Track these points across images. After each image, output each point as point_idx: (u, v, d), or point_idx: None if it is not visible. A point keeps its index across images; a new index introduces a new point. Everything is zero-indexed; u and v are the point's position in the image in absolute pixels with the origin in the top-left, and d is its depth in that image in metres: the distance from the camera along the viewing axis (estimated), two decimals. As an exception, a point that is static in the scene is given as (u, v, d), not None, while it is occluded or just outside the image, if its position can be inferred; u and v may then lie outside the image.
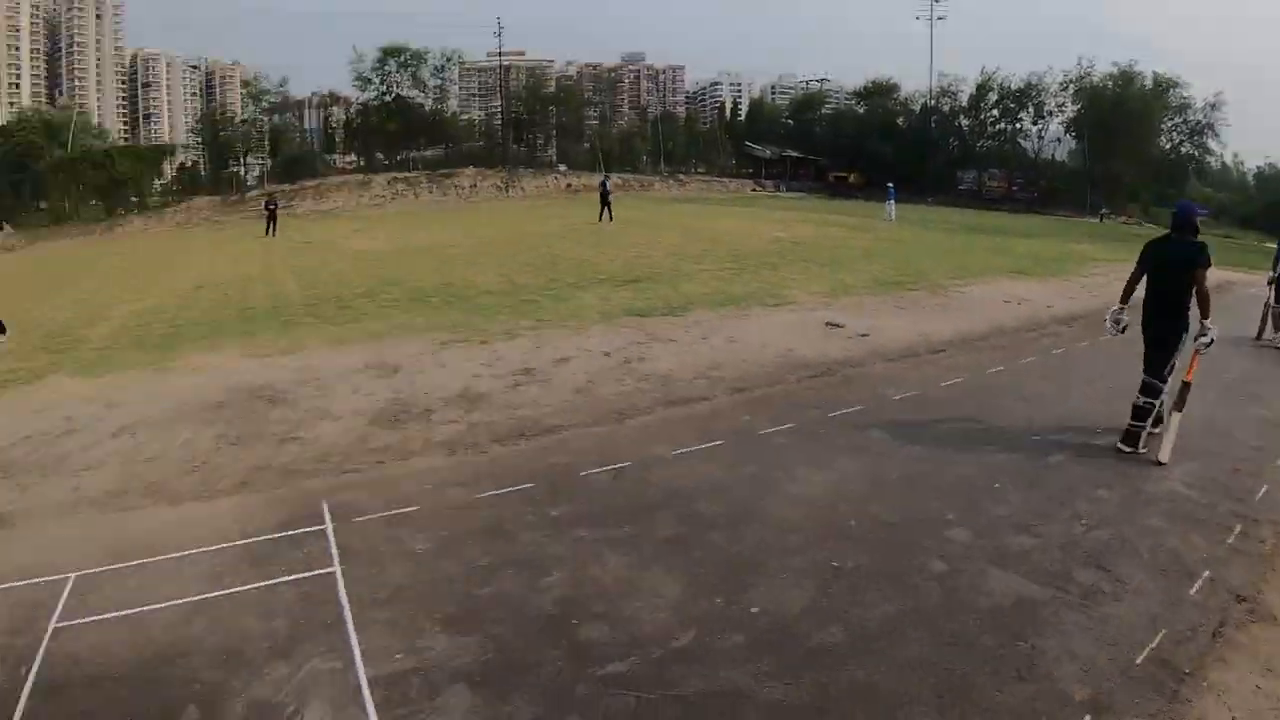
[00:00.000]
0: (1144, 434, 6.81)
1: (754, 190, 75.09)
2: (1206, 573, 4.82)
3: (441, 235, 24.18)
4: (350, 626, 4.07)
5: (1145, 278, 7.10)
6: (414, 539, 4.83)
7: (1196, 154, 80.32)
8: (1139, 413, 6.82)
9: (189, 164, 67.14)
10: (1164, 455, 6.44)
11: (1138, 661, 3.87)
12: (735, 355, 8.81)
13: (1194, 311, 6.78)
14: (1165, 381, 6.99)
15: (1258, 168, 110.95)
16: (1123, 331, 7.07)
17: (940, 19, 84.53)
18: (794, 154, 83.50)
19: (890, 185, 45.43)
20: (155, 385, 9.09)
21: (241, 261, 21.84)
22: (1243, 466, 6.70)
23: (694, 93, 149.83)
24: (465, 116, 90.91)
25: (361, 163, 68.60)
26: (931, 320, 11.77)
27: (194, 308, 13.49)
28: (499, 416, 6.68)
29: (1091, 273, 20.80)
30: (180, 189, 60.09)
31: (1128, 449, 6.73)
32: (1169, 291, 6.86)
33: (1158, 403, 6.96)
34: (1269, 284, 11.95)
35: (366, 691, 3.60)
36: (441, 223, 30.21)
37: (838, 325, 10.70)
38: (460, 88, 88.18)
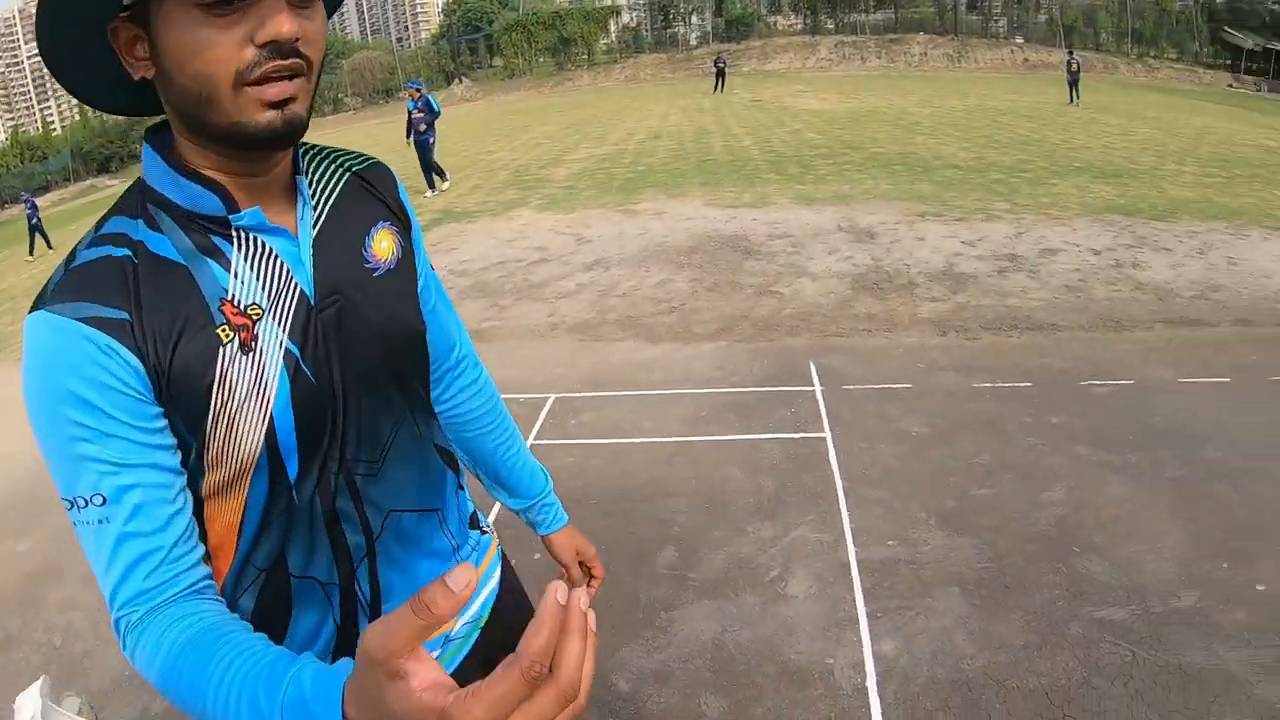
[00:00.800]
0: None
1: (1231, 86, 66.73)
2: None
3: (896, 102, 23.41)
4: (842, 500, 4.05)
5: None
6: (907, 419, 4.72)
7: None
8: None
9: (634, 24, 69.51)
10: None
11: None
12: (1238, 280, 7.78)
13: None
14: None
15: None
16: None
17: None
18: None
19: None
20: (623, 225, 9.54)
21: (694, 115, 22.40)
22: None
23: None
24: None
25: (808, 23, 67.44)
26: None
27: (652, 155, 13.99)
28: (988, 301, 6.40)
29: None
30: (624, 47, 62.77)
31: None
32: None
33: None
34: None
35: (855, 573, 3.57)
36: (893, 89, 29.19)
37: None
38: None
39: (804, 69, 50.13)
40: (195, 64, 0.94)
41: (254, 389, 1.02)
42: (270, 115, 0.97)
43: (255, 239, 1.05)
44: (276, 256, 1.06)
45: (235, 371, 1.01)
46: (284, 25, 0.93)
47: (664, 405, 5.09)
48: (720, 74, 32.24)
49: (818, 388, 5.06)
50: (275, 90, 0.96)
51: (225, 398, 1.00)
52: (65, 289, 0.95)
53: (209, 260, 1.02)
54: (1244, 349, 6.16)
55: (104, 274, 0.97)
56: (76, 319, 0.93)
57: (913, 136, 14.44)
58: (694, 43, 63.75)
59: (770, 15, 71.10)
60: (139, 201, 1.04)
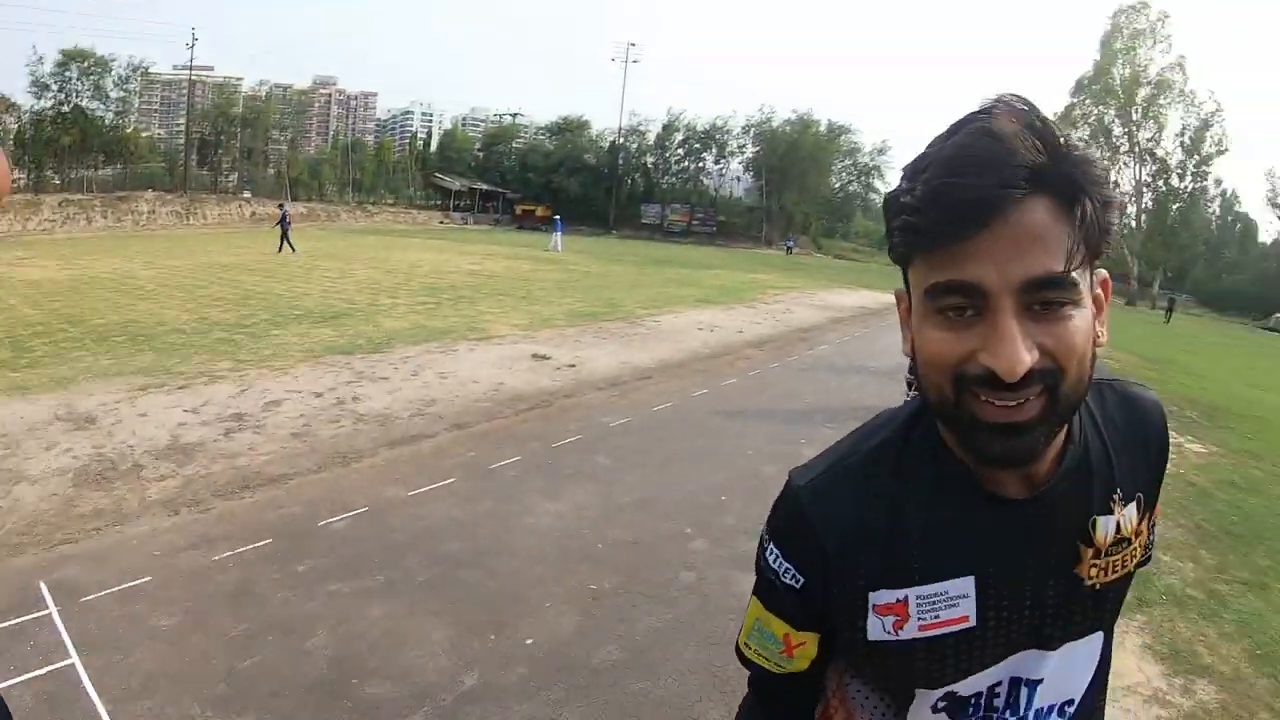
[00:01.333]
0: None
1: (443, 222, 74.60)
2: None
3: (121, 265, 22.27)
4: (110, 727, 3.69)
5: None
6: (155, 614, 4.41)
7: (863, 192, 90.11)
8: None
9: None
10: None
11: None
12: (449, 391, 8.74)
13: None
14: None
15: None
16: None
17: (635, 62, 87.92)
18: (484, 186, 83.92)
19: (558, 218, 47.52)
20: None
21: None
22: None
23: (385, 120, 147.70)
24: (146, 133, 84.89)
25: (30, 180, 61.79)
26: (633, 349, 12.24)
27: None
28: (217, 468, 6.28)
29: (774, 300, 22.30)
30: None
31: None
32: None
33: None
34: None
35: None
36: (120, 251, 27.58)
37: (544, 357, 10.87)
38: (142, 102, 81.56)
39: (25, 232, 45.60)
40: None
41: None
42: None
43: None
44: None
45: None
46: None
47: None
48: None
49: (53, 609, 4.57)
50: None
51: None
52: None
53: None
54: (462, 449, 6.92)
55: None
56: None
57: (136, 303, 13.90)
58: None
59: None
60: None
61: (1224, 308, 79.21)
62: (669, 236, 78.08)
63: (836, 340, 16.34)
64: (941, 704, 1.10)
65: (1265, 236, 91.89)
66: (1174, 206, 72.87)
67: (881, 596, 1.06)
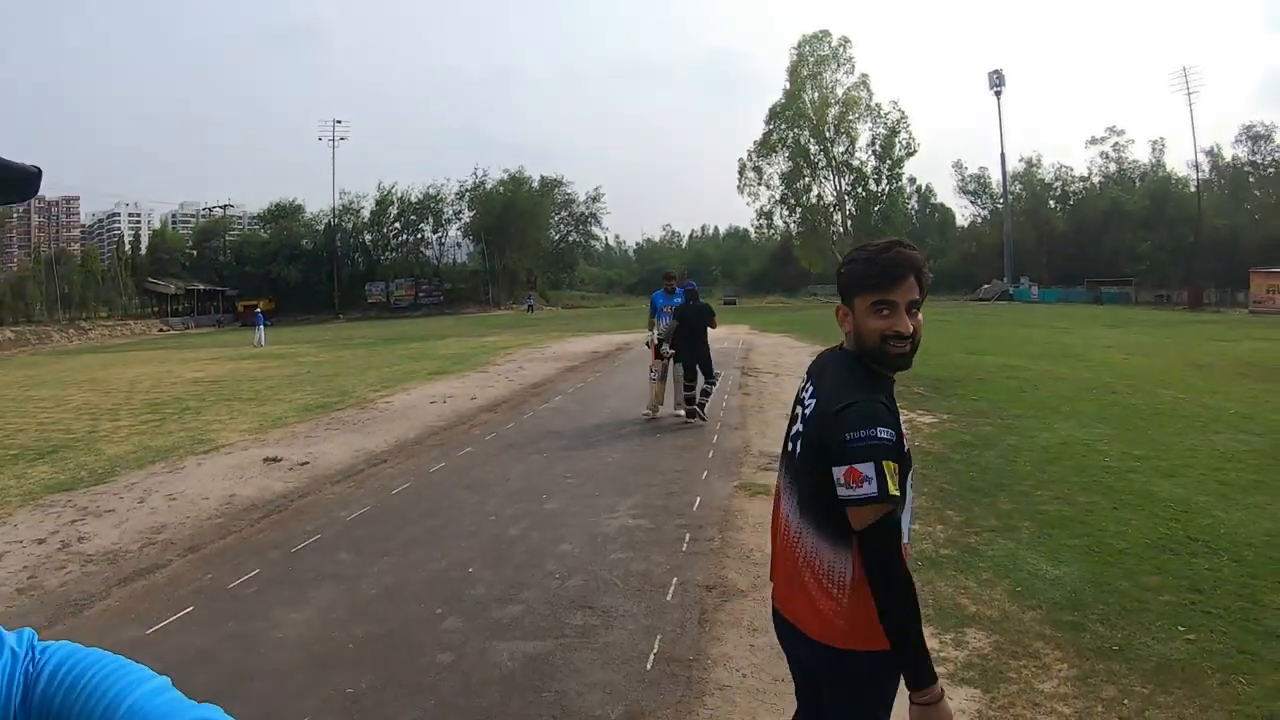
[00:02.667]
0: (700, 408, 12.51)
1: (163, 330, 70.48)
2: (675, 579, 5.82)
3: None
4: None
5: (680, 326, 12.43)
6: None
7: (583, 240, 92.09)
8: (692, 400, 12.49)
9: None
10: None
11: (649, 668, 4.53)
12: (179, 514, 8.28)
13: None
14: (711, 378, 12.89)
15: (637, 244, 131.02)
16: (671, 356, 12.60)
17: (342, 139, 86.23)
18: (201, 286, 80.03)
19: (260, 312, 46.25)
20: None
21: None
22: (675, 489, 8.28)
23: (91, 226, 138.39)
24: None
25: None
26: (366, 435, 12.10)
27: None
28: None
29: (506, 360, 22.52)
30: None
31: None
32: (697, 335, 12.50)
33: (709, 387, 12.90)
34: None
35: None
36: None
37: (276, 460, 10.52)
38: None
39: None
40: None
41: None
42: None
43: None
44: None
45: None
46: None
47: None
48: None
49: None
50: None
51: None
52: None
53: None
54: (198, 573, 6.58)
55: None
56: None
57: None
58: None
59: None
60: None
61: (935, 289, 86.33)
62: (397, 312, 77.33)
63: (570, 389, 16.69)
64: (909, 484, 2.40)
65: (962, 220, 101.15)
66: (875, 209, 79.00)
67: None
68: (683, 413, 12.46)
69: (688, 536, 6.83)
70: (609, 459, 9.88)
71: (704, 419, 12.27)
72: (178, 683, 0.94)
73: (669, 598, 5.54)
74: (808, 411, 2.45)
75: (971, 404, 12.92)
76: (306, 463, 10.31)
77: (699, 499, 7.97)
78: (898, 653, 2.19)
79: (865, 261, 2.30)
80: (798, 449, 2.49)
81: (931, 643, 4.59)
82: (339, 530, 7.50)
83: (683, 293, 13.06)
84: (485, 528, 7.32)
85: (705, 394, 12.68)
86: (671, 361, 12.61)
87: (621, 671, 4.52)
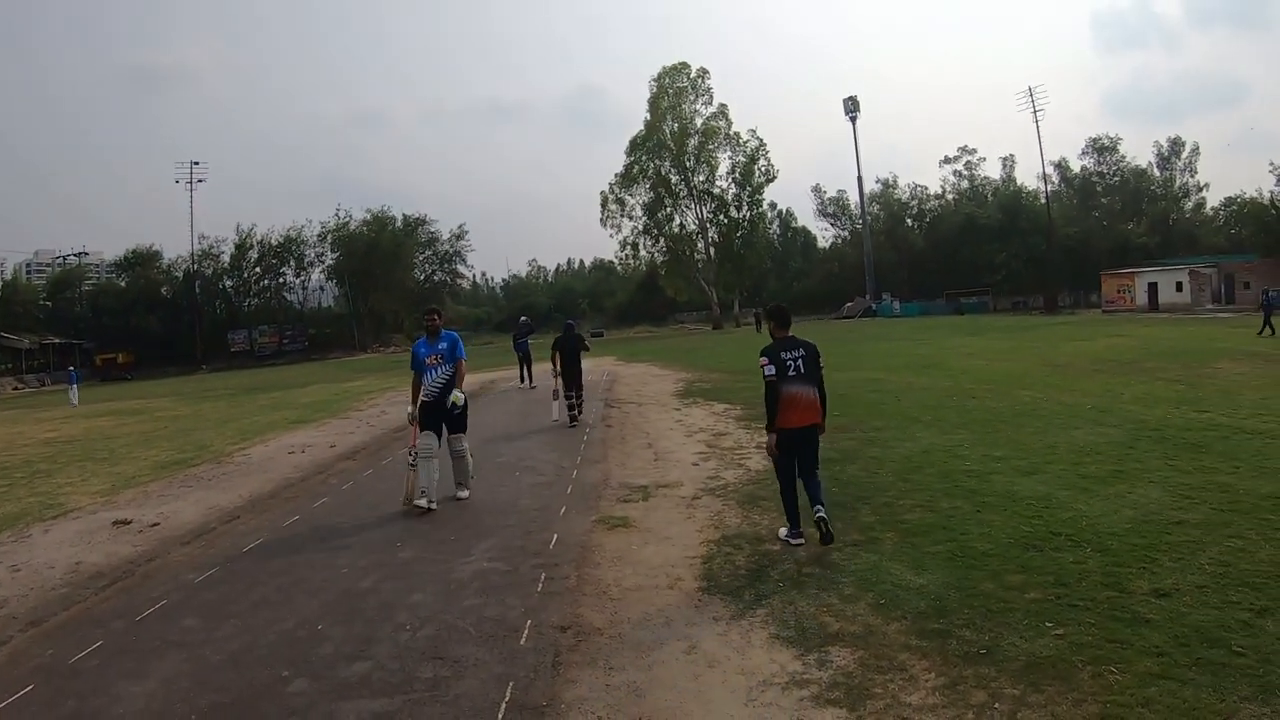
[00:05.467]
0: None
1: (17, 388, 66.49)
2: (529, 621, 5.76)
3: None
4: None
5: (557, 356, 16.26)
6: None
7: (449, 279, 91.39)
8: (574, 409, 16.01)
9: None
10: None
11: (500, 717, 4.44)
12: (22, 586, 7.75)
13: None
14: (581, 394, 16.44)
15: (504, 280, 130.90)
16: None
17: (200, 181, 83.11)
18: (57, 340, 75.90)
19: (72, 369, 44.56)
20: None
21: None
22: (533, 527, 8.24)
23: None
24: None
25: None
26: (220, 491, 11.66)
27: None
28: None
29: (368, 405, 22.09)
30: None
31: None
32: (572, 360, 16.20)
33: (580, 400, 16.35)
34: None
35: None
36: None
37: (126, 522, 10.00)
38: None
39: None
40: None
41: None
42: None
43: None
44: None
45: None
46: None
47: None
48: None
49: None
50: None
51: None
52: None
53: None
54: (40, 649, 6.17)
55: None
56: None
57: None
58: None
59: None
60: None
61: (801, 310, 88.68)
62: (261, 361, 75.26)
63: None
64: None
65: (824, 242, 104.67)
66: (737, 235, 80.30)
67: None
68: (567, 419, 15.97)
69: (543, 576, 6.74)
70: (468, 501, 9.71)
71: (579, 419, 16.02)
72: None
73: (523, 642, 5.44)
74: (801, 352, 7.18)
75: (832, 419, 13.05)
76: (157, 524, 9.83)
77: (556, 536, 7.89)
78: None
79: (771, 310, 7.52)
80: (802, 365, 7.11)
81: (795, 665, 4.69)
82: (186, 594, 7.15)
83: (527, 330, 21.17)
84: (336, 582, 7.08)
85: (580, 402, 16.37)
86: (439, 435, 9.83)
87: (472, 726, 4.40)
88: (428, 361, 9.82)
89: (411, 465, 9.63)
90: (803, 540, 7.02)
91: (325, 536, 8.59)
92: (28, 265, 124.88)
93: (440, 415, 9.76)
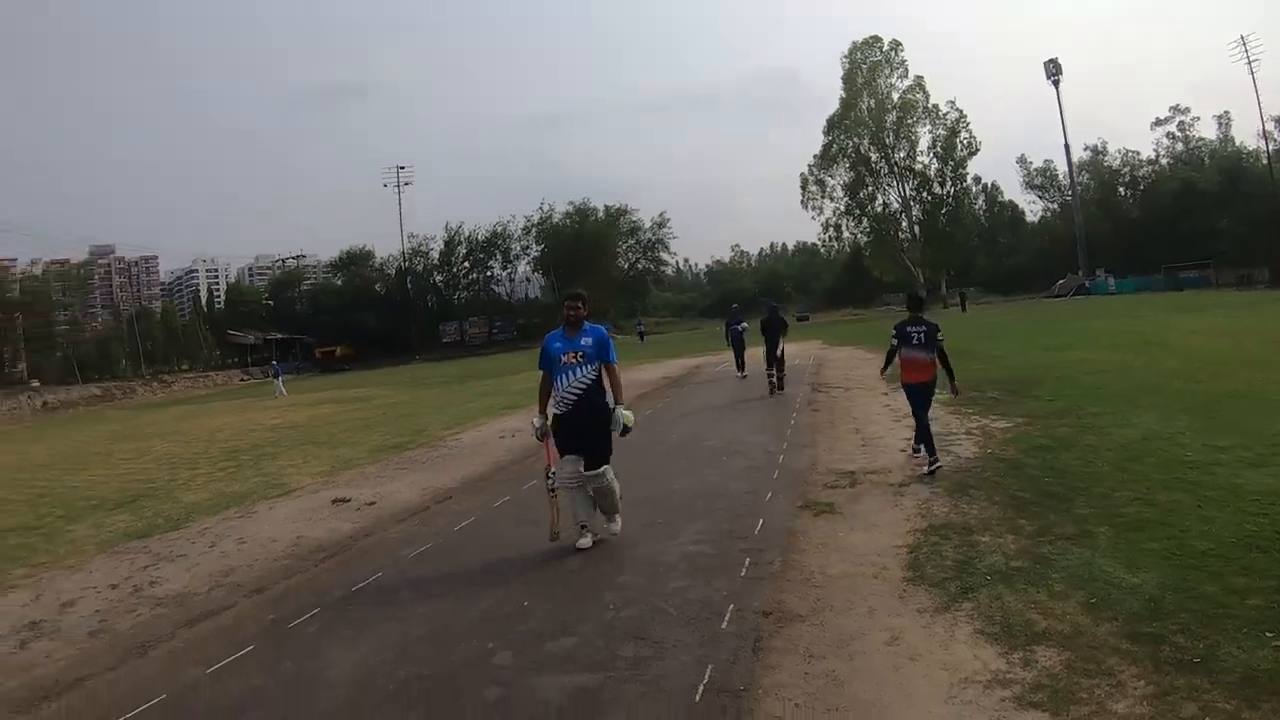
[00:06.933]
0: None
1: (243, 380, 72.20)
2: (732, 605, 5.75)
3: None
4: None
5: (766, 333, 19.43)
6: None
7: (652, 267, 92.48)
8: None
9: None
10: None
11: (698, 699, 4.47)
12: (248, 557, 8.52)
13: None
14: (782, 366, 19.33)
15: (707, 266, 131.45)
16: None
17: (407, 184, 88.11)
18: (279, 336, 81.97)
19: (275, 363, 47.37)
20: None
21: None
22: (741, 511, 8.24)
23: (170, 283, 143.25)
24: None
25: None
26: (434, 473, 12.33)
27: None
28: (13, 683, 5.92)
29: (578, 392, 22.48)
30: None
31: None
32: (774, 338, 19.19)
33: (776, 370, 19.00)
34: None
35: None
36: None
37: (344, 500, 10.78)
38: None
39: None
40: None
41: None
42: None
43: None
44: None
45: None
46: None
47: None
48: None
49: None
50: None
51: None
52: None
53: None
54: (262, 613, 6.76)
55: None
56: None
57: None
58: None
59: None
60: None
61: (1010, 289, 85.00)
62: (472, 350, 78.18)
63: (636, 417, 16.68)
64: None
65: (1032, 216, 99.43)
66: (941, 212, 77.51)
67: None
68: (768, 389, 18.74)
69: (748, 561, 6.76)
70: (675, 486, 9.83)
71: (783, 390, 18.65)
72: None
73: (724, 625, 5.48)
74: (924, 328, 9.68)
75: (1048, 404, 12.51)
76: (374, 503, 10.53)
77: (762, 521, 7.89)
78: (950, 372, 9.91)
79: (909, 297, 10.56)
80: (923, 338, 9.65)
81: (998, 663, 4.50)
82: (400, 568, 7.64)
83: (738, 316, 23.92)
84: (545, 561, 7.35)
85: (780, 377, 18.96)
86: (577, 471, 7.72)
87: (670, 704, 4.48)
88: (563, 359, 7.72)
89: (551, 492, 7.95)
90: (938, 463, 9.32)
91: (535, 517, 8.84)
92: (249, 269, 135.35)
93: (583, 433, 7.70)
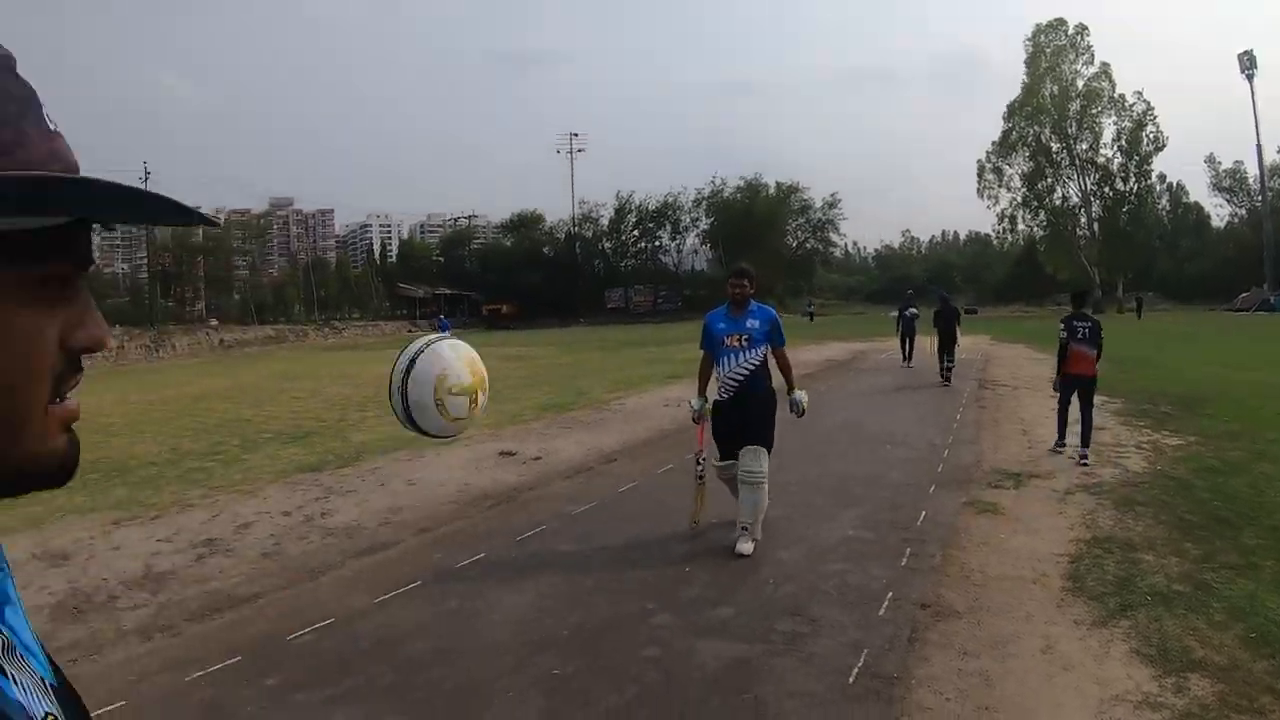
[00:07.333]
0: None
1: (410, 331, 74.40)
2: (890, 593, 5.71)
3: (90, 404, 22.15)
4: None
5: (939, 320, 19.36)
6: None
7: (821, 247, 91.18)
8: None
9: None
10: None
11: (851, 681, 4.45)
12: (415, 497, 8.87)
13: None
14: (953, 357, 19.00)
15: (876, 250, 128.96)
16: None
17: (580, 150, 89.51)
18: (447, 291, 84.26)
19: (443, 318, 48.06)
20: None
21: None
22: (902, 501, 8.14)
23: (344, 236, 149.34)
24: (108, 270, 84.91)
25: None
26: (598, 434, 12.53)
27: None
28: (189, 593, 6.35)
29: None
30: None
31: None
32: (948, 329, 18.95)
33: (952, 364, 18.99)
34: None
35: None
36: (88, 392, 27.29)
37: (511, 453, 11.06)
38: (101, 238, 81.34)
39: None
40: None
41: None
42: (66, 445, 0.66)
43: None
44: None
45: None
46: (107, 335, 0.66)
47: None
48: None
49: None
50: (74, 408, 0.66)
51: None
52: None
53: None
54: (428, 552, 7.03)
55: None
56: None
57: (108, 440, 13.87)
58: None
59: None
60: None
61: (1190, 297, 79.91)
62: (636, 318, 78.58)
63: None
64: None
65: (1218, 221, 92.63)
66: (1123, 210, 73.58)
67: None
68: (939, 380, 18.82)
69: (909, 551, 6.65)
70: (834, 469, 9.74)
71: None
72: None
73: (881, 612, 5.42)
74: (1089, 324, 10.45)
75: (1223, 425, 11.82)
76: (539, 458, 10.78)
77: (924, 513, 7.74)
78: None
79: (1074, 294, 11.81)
80: (1088, 333, 10.39)
81: (1150, 685, 4.34)
82: (564, 523, 7.82)
83: (911, 298, 23.92)
84: (706, 531, 7.38)
85: (950, 367, 18.98)
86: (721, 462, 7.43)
87: (823, 682, 4.47)
88: (727, 342, 7.16)
89: (700, 479, 7.59)
90: (1064, 448, 10.45)
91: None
92: (421, 226, 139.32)
93: (744, 420, 7.17)
